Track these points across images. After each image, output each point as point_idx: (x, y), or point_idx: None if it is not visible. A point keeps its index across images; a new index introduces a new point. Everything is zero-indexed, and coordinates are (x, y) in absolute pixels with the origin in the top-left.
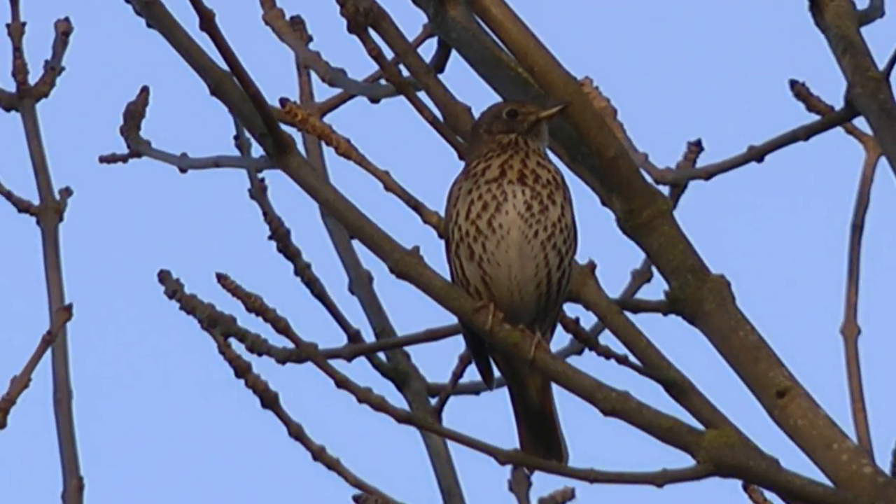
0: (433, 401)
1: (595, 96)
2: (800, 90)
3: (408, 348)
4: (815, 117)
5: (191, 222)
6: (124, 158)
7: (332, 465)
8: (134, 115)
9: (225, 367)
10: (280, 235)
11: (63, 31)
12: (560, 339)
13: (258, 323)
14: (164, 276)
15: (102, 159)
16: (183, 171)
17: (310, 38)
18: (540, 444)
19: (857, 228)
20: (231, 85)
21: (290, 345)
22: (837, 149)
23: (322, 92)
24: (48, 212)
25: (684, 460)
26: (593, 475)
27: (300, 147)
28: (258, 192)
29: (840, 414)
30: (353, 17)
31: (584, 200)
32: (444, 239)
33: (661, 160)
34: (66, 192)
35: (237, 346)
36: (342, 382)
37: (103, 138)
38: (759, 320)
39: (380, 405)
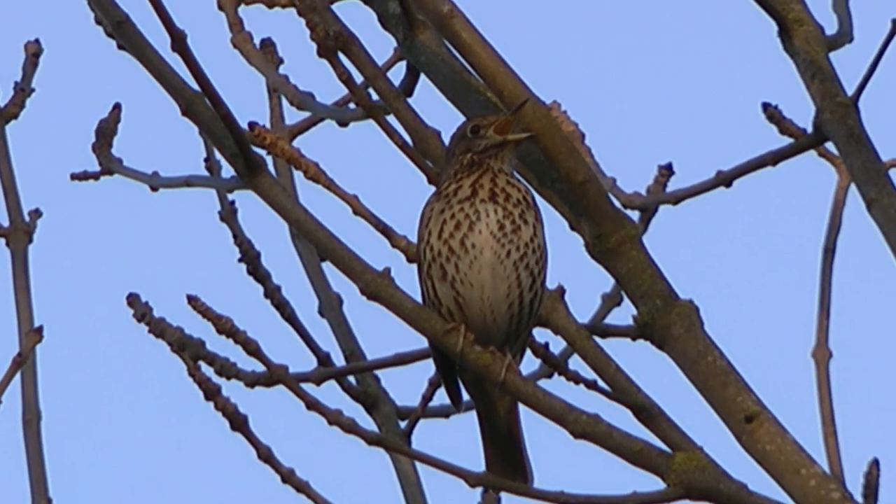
0: (403, 424)
1: (563, 120)
2: (772, 114)
3: (378, 372)
4: (786, 141)
5: (161, 242)
6: (96, 176)
7: (301, 487)
8: (105, 132)
9: (195, 389)
10: (250, 258)
11: (33, 53)
12: (529, 364)
13: (228, 346)
14: (132, 301)
15: (74, 177)
16: (154, 189)
17: (280, 62)
18: (506, 464)
19: (829, 252)
20: (202, 105)
21: (260, 367)
22: (808, 173)
23: (292, 116)
24: (17, 234)
25: (655, 484)
26: (563, 498)
27: (270, 170)
28: (228, 214)
29: (811, 438)
30: (322, 42)
31: (553, 225)
32: (414, 262)
33: (630, 185)
34: (36, 213)
35: (206, 370)
36: (312, 405)
37: (74, 158)
38: (730, 345)
39: (350, 427)
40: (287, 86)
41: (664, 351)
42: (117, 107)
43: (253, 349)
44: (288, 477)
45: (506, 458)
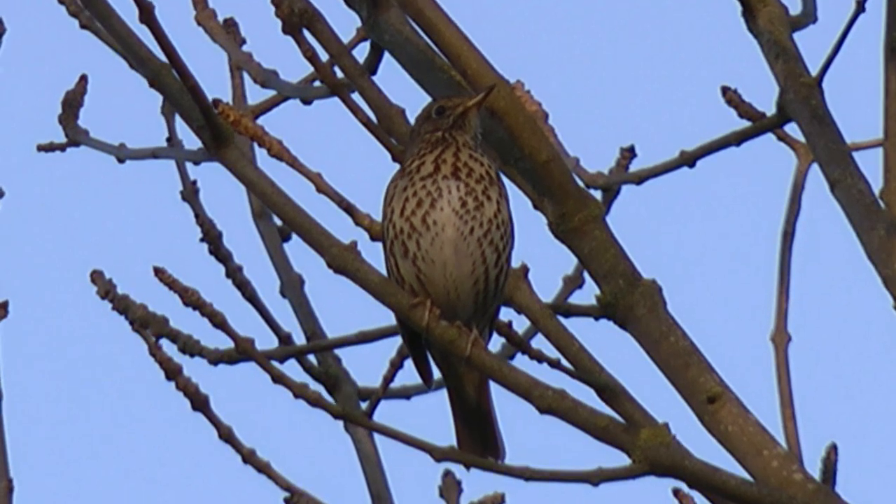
0: (364, 405)
1: (526, 100)
2: (731, 97)
3: (339, 352)
4: (747, 123)
5: (126, 216)
6: (62, 147)
7: (262, 468)
8: (72, 103)
9: (156, 367)
10: (211, 238)
11: None
12: (493, 342)
13: (192, 322)
14: (95, 277)
15: (40, 147)
16: (121, 161)
17: (243, 41)
18: (476, 442)
19: (788, 235)
20: (170, 77)
21: (223, 345)
22: (770, 154)
23: (255, 94)
24: None
25: (620, 459)
26: (528, 473)
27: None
28: (190, 193)
29: (770, 421)
30: (287, 18)
31: (517, 204)
32: (378, 240)
33: (593, 165)
34: None
35: (169, 347)
36: (278, 378)
37: (41, 131)
38: (691, 326)
39: (316, 400)
40: (251, 63)
41: (627, 330)
42: (83, 78)
43: (219, 321)
44: (249, 457)
45: (477, 435)
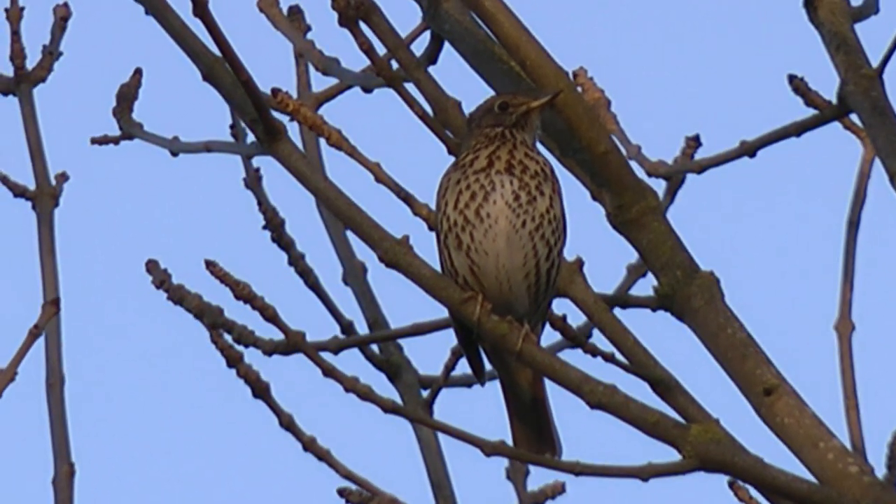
0: (425, 393)
1: (589, 87)
2: (798, 85)
3: (401, 341)
4: (811, 112)
5: (184, 208)
6: (116, 140)
7: (323, 455)
8: (126, 96)
9: (216, 355)
10: (274, 225)
11: (61, 17)
12: (548, 337)
13: (246, 314)
14: (151, 266)
15: (94, 141)
16: (174, 154)
17: (308, 28)
18: (532, 437)
19: (854, 224)
20: (223, 71)
21: (279, 334)
22: (833, 144)
23: (319, 83)
24: (44, 197)
25: (670, 455)
26: (579, 468)
27: (296, 137)
28: (253, 181)
29: (832, 411)
30: (344, 11)
31: (575, 195)
32: (434, 231)
33: (654, 153)
34: (62, 177)
35: (224, 337)
36: (329, 371)
37: (98, 122)
38: (752, 317)
39: (366, 395)
40: (312, 51)
41: (684, 322)
42: (138, 71)
43: (270, 315)
44: (309, 444)
45: (532, 430)
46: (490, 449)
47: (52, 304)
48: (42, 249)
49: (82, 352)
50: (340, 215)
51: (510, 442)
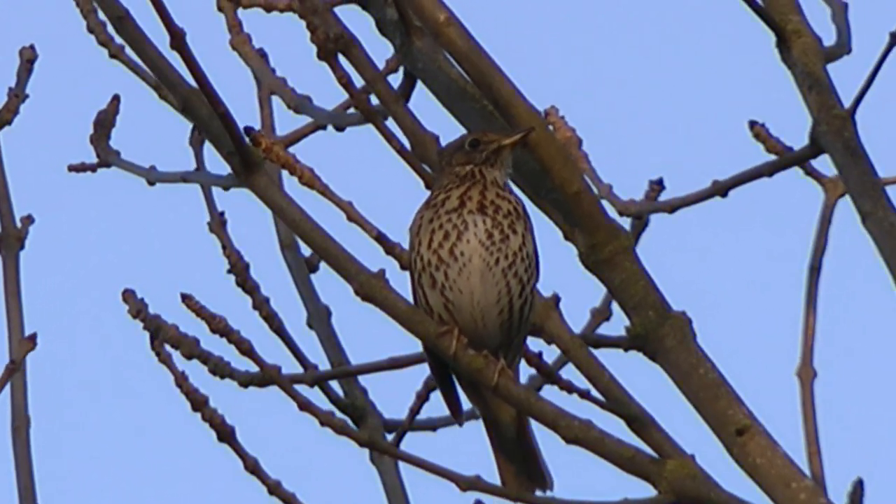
0: (390, 437)
1: (560, 126)
2: (758, 131)
3: (365, 384)
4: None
5: (155, 240)
6: (93, 168)
7: (288, 500)
8: (104, 123)
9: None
10: (238, 270)
11: (27, 59)
12: (523, 373)
13: (221, 349)
14: (127, 297)
15: (71, 168)
16: (151, 183)
17: (272, 71)
18: (520, 472)
19: (815, 270)
20: (200, 102)
21: (253, 368)
22: (800, 187)
23: (285, 121)
24: (9, 240)
25: (647, 491)
26: (554, 503)
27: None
28: (217, 225)
29: (796, 454)
30: (322, 44)
31: (548, 235)
32: (407, 270)
33: (625, 193)
34: (28, 219)
35: (200, 369)
36: (304, 406)
37: (70, 155)
38: (719, 359)
39: (341, 429)
40: (285, 89)
41: (657, 362)
42: (116, 98)
43: (246, 349)
44: (274, 489)
45: (519, 466)
46: (466, 484)
47: (29, 340)
48: (7, 291)
49: (49, 392)
50: (316, 248)
51: (490, 478)
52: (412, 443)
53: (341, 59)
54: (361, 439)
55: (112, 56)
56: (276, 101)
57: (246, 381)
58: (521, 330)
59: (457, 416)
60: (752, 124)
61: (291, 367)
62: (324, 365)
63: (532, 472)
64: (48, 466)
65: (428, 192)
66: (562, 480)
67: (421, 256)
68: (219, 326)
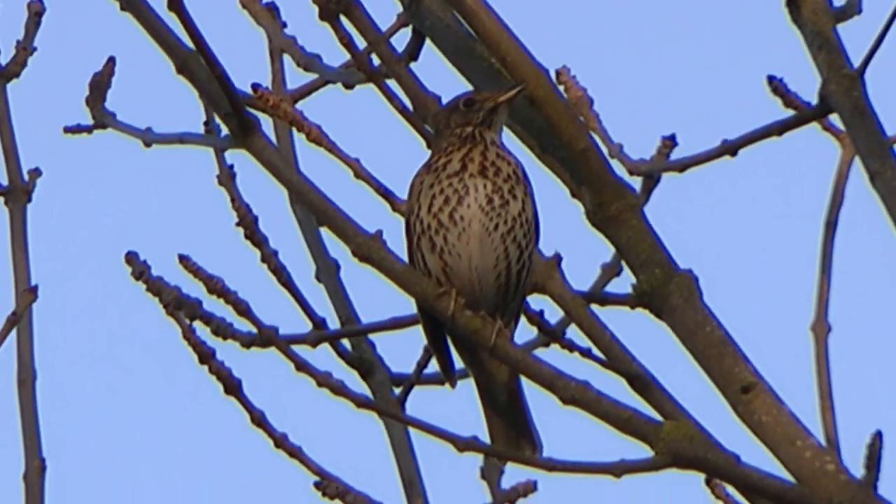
0: (397, 391)
1: (571, 86)
2: (776, 86)
3: (373, 339)
4: (791, 113)
5: (156, 201)
6: (89, 130)
7: (293, 453)
8: (99, 85)
9: (189, 352)
10: (247, 223)
11: (35, 12)
12: (525, 333)
13: (221, 309)
14: (130, 259)
15: (67, 130)
16: (147, 145)
17: (283, 25)
18: (510, 435)
19: (831, 226)
20: (197, 65)
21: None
22: (813, 145)
23: (294, 80)
24: (16, 193)
25: (643, 452)
26: (551, 465)
27: (272, 134)
28: (226, 177)
29: (808, 411)
30: (324, 5)
31: (554, 192)
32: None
33: (636, 153)
34: (35, 173)
35: (202, 331)
36: (301, 367)
37: (72, 116)
38: (730, 316)
39: (338, 390)
40: (294, 47)
41: (662, 320)
42: (111, 60)
43: (243, 310)
44: (280, 442)
45: (510, 428)
46: (462, 445)
47: (30, 292)
48: (14, 245)
49: (55, 347)
50: (313, 210)
51: (484, 439)
52: (422, 397)
53: (343, 20)
54: (359, 401)
55: (123, 9)
56: (287, 60)
57: (248, 342)
58: (517, 294)
59: (450, 378)
60: (771, 79)
61: (300, 321)
62: (331, 319)
63: (522, 436)
64: (53, 420)
65: (428, 153)
66: (558, 442)
67: (420, 220)
68: (216, 287)
